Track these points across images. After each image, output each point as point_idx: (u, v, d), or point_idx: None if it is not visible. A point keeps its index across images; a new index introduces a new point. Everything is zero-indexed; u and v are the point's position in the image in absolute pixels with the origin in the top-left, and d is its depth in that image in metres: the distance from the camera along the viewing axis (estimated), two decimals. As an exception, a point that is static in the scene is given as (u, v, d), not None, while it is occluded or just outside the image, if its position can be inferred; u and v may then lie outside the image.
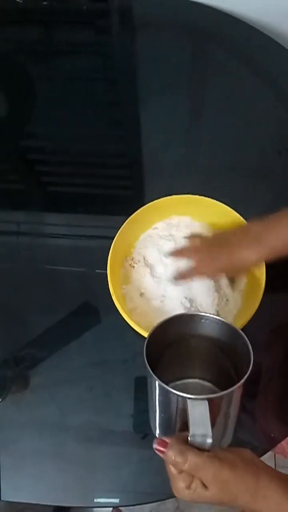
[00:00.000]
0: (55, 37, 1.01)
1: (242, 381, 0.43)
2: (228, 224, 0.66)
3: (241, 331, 0.47)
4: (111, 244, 0.65)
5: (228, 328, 0.49)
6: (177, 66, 0.93)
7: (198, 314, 0.50)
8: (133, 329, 0.59)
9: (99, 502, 0.59)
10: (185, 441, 0.42)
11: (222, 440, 0.49)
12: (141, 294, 0.65)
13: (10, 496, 0.58)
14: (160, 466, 0.58)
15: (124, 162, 0.86)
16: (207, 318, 0.50)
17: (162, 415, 0.49)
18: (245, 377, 0.43)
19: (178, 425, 0.46)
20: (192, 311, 0.52)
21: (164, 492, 0.57)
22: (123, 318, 0.59)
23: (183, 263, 0.62)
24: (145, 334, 0.56)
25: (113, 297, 0.60)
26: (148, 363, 0.45)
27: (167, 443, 0.43)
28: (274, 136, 0.83)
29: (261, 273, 0.61)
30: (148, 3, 1.01)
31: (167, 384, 0.45)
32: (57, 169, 0.87)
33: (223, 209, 0.67)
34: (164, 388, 0.44)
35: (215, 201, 0.67)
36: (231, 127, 0.85)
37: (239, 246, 0.57)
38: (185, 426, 0.43)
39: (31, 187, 0.85)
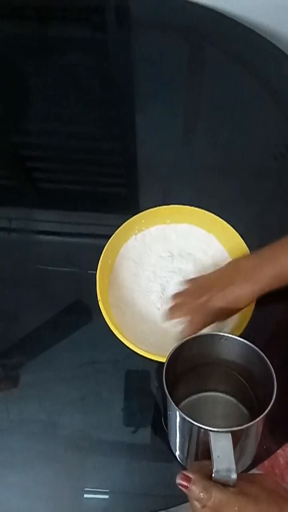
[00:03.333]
0: (50, 32, 1.00)
1: (267, 410, 0.42)
2: (220, 235, 0.66)
3: (262, 354, 0.46)
4: (104, 243, 0.64)
5: (249, 348, 0.47)
6: (174, 66, 0.93)
7: (217, 334, 0.49)
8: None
9: (88, 499, 0.58)
10: (209, 476, 0.41)
11: (243, 461, 0.49)
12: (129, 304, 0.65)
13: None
14: (150, 465, 0.59)
15: (118, 160, 0.85)
16: (226, 338, 0.48)
17: (183, 440, 0.48)
18: (270, 405, 0.42)
19: (200, 451, 0.46)
20: (212, 331, 0.52)
21: (154, 492, 0.58)
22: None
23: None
24: (133, 347, 0.57)
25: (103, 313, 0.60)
26: (167, 390, 0.44)
27: (190, 478, 0.42)
28: (271, 141, 0.83)
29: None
30: (145, 2, 1.00)
31: (185, 398, 0.44)
32: (50, 165, 0.86)
33: (218, 222, 0.67)
34: (185, 419, 0.43)
35: (210, 213, 0.67)
36: (227, 130, 0.85)
37: (232, 285, 0.56)
38: (207, 452, 0.42)
39: (23, 183, 0.85)
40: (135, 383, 0.63)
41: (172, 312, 0.60)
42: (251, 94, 0.90)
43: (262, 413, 0.42)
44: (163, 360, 0.53)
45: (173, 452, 0.52)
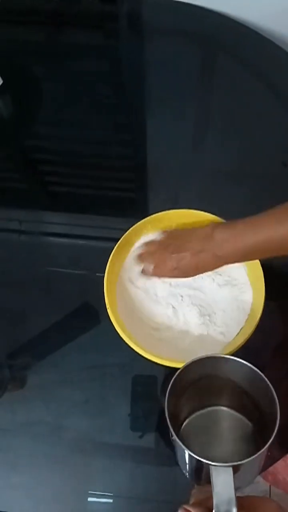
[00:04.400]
0: (63, 39, 1.01)
1: (269, 442, 0.42)
2: None
3: (265, 378, 0.46)
4: (112, 246, 0.64)
5: (252, 371, 0.47)
6: (184, 72, 0.94)
7: (221, 357, 0.49)
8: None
9: (92, 502, 0.58)
10: (210, 510, 0.41)
11: (247, 478, 0.48)
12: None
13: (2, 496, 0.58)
14: (154, 469, 0.59)
15: (128, 165, 0.86)
16: (230, 360, 0.48)
17: (186, 462, 0.47)
18: (273, 435, 0.42)
19: (204, 474, 0.45)
20: (215, 353, 0.51)
21: (158, 497, 0.58)
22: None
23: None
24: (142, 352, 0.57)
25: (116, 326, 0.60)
26: (169, 418, 0.44)
27: None
28: (280, 147, 0.83)
29: (261, 286, 0.60)
30: (157, 8, 1.01)
31: (189, 415, 0.44)
32: (60, 169, 0.86)
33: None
34: (186, 451, 0.43)
35: (219, 218, 0.66)
36: (237, 136, 0.85)
37: (202, 251, 0.58)
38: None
39: (34, 186, 0.85)
40: (141, 387, 0.62)
41: (140, 256, 0.64)
42: (261, 100, 0.90)
43: (265, 441, 0.42)
44: (170, 364, 0.53)
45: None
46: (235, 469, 0.41)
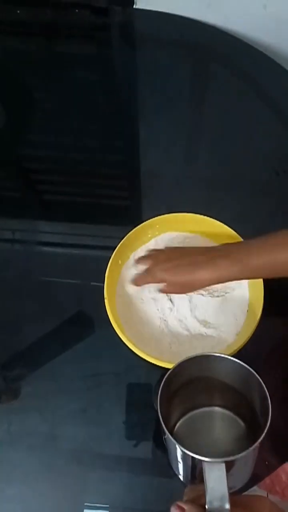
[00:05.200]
0: (56, 48, 1.02)
1: (262, 436, 0.42)
2: (220, 240, 0.66)
3: (258, 376, 0.46)
4: (106, 254, 0.65)
5: (244, 369, 0.47)
6: (177, 82, 0.95)
7: (212, 355, 0.49)
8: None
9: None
10: (203, 507, 0.41)
11: (241, 479, 0.48)
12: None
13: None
14: (151, 479, 0.58)
15: (122, 173, 0.86)
16: (222, 358, 0.48)
17: (179, 462, 0.48)
18: (265, 431, 0.42)
19: (197, 472, 0.45)
20: (206, 352, 0.51)
21: (154, 507, 0.57)
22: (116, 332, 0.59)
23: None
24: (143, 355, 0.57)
25: (112, 322, 0.60)
26: (162, 416, 0.44)
27: (184, 510, 0.41)
28: (273, 156, 0.84)
29: (260, 291, 0.61)
30: (149, 20, 1.02)
31: (182, 416, 0.44)
32: (54, 178, 0.87)
33: (221, 228, 0.67)
34: (178, 447, 0.43)
35: (214, 220, 0.67)
36: (229, 145, 0.86)
37: (198, 267, 0.56)
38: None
39: (27, 195, 0.85)
40: (136, 396, 0.62)
41: (140, 259, 0.63)
42: (253, 110, 0.91)
43: (257, 439, 0.42)
44: (168, 366, 0.53)
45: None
46: (228, 466, 0.41)
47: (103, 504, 0.58)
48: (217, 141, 0.87)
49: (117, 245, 0.66)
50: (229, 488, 0.40)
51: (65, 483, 0.59)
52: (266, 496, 0.62)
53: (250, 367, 0.46)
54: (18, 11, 1.04)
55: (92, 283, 0.70)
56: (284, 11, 0.96)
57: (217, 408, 0.53)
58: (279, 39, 1.01)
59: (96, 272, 0.65)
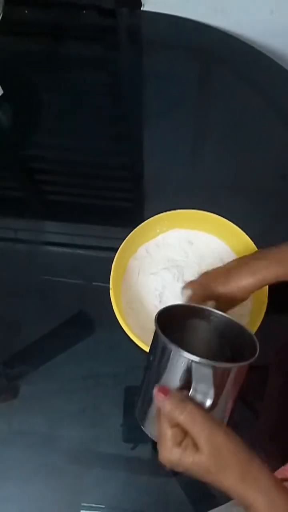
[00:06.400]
0: (63, 50, 1.02)
1: (250, 361, 0.43)
2: (229, 239, 0.68)
3: (245, 326, 0.48)
4: (109, 255, 0.65)
5: (234, 325, 0.49)
6: (183, 84, 0.95)
7: (206, 309, 0.50)
8: (126, 343, 0.58)
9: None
10: (186, 396, 0.41)
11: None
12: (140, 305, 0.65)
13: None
14: (148, 481, 0.58)
15: (126, 175, 0.86)
16: (215, 314, 0.50)
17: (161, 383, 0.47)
18: (253, 358, 0.43)
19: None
20: (201, 305, 0.52)
21: (151, 509, 0.57)
22: (118, 332, 0.59)
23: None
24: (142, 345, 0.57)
25: (116, 313, 0.60)
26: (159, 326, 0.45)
27: (168, 390, 0.41)
28: (278, 160, 0.84)
29: (264, 292, 0.61)
30: (157, 23, 1.02)
31: None
32: (59, 178, 0.87)
33: (228, 226, 0.68)
34: (169, 348, 0.43)
35: (219, 216, 0.68)
36: (235, 149, 0.86)
37: (238, 277, 0.56)
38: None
39: (31, 195, 0.86)
40: (134, 397, 0.62)
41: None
42: (259, 114, 0.91)
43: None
44: None
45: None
46: (215, 376, 0.41)
47: (100, 505, 0.58)
48: (222, 145, 0.87)
49: (120, 245, 0.66)
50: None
51: (62, 483, 0.59)
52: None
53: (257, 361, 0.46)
54: (26, 12, 1.04)
55: (94, 283, 0.70)
56: (291, 16, 0.96)
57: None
58: (286, 44, 1.01)
59: (98, 272, 0.65)
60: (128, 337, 0.58)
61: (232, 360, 0.49)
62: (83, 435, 0.61)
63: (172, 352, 0.43)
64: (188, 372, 0.42)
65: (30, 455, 0.60)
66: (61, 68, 0.99)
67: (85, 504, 0.58)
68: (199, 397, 0.41)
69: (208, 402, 0.41)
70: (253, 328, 0.59)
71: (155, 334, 0.46)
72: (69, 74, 0.98)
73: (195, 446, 0.39)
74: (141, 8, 1.03)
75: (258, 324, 0.59)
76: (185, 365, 0.42)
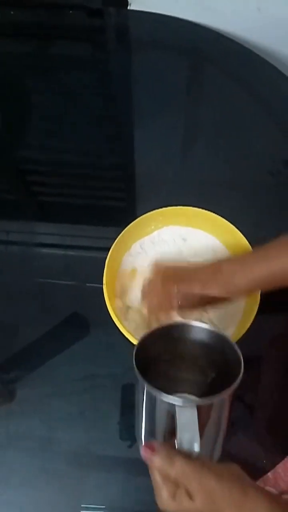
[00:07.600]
0: (52, 51, 1.02)
1: (234, 386, 0.42)
2: (222, 235, 0.68)
3: (230, 339, 0.46)
4: (102, 255, 0.64)
5: (218, 336, 0.47)
6: (173, 84, 0.95)
7: (187, 324, 0.49)
8: (122, 343, 0.58)
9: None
10: (173, 448, 0.42)
11: (212, 454, 0.48)
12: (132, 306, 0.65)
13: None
14: (147, 481, 0.58)
15: (118, 175, 0.86)
16: (197, 327, 0.48)
17: (149, 422, 0.48)
18: (237, 382, 0.42)
19: (166, 434, 0.45)
20: (182, 320, 0.52)
21: (151, 509, 0.57)
22: (113, 332, 0.59)
23: None
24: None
25: (109, 309, 0.60)
26: (137, 368, 0.44)
27: (154, 447, 0.42)
28: (268, 157, 0.84)
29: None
30: (145, 22, 1.02)
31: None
32: (50, 180, 0.86)
33: (221, 223, 0.68)
34: (151, 393, 0.43)
35: (212, 213, 0.68)
36: (225, 147, 0.86)
37: (200, 286, 0.55)
38: (173, 436, 0.42)
39: (24, 197, 0.85)
40: (133, 398, 0.62)
41: (144, 295, 0.61)
42: (248, 112, 0.91)
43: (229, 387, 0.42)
44: None
45: None
46: (200, 412, 0.41)
47: (100, 506, 0.57)
48: (213, 143, 0.87)
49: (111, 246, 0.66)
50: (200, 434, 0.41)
51: (61, 484, 0.58)
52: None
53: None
54: (12, 12, 1.04)
55: (88, 284, 0.70)
56: (277, 13, 0.97)
57: (187, 395, 0.52)
58: (274, 41, 1.02)
59: (92, 273, 0.65)
60: (124, 336, 0.58)
61: (220, 373, 0.49)
62: (82, 437, 0.61)
63: (156, 398, 0.43)
64: (172, 413, 0.42)
65: (29, 458, 0.59)
66: (49, 69, 0.98)
67: (85, 505, 0.57)
68: (186, 437, 0.41)
69: (196, 441, 0.41)
70: (246, 325, 0.59)
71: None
72: (58, 75, 0.98)
73: (190, 496, 0.40)
74: (128, 7, 1.02)
75: (251, 319, 0.59)
76: (168, 407, 0.43)
